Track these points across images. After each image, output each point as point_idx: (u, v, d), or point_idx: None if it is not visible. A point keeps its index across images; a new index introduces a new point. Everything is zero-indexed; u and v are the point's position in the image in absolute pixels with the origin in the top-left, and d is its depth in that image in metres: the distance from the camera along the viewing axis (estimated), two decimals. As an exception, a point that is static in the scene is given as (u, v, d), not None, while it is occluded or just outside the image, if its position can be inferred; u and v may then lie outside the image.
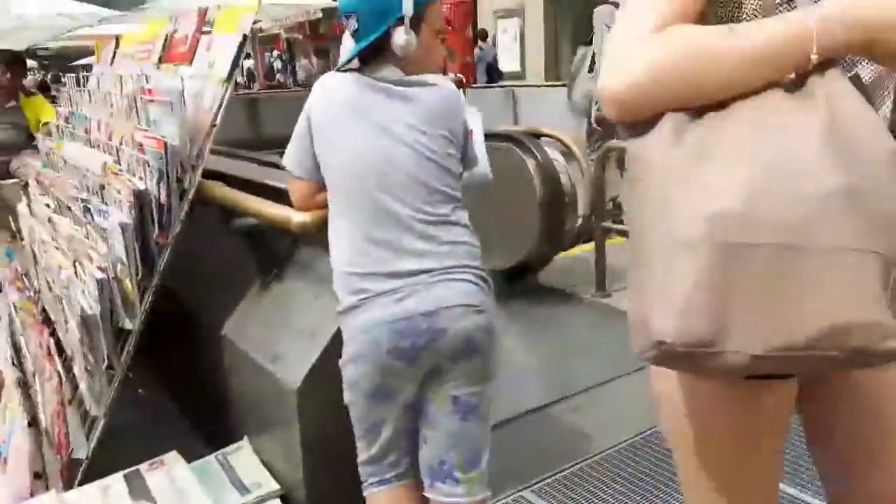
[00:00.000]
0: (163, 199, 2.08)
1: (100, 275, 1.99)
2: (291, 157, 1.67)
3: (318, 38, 20.71)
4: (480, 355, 1.62)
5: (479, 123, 1.76)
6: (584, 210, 4.37)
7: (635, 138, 0.86)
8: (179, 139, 2.05)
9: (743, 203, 0.76)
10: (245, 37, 2.11)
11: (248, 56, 15.89)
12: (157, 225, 2.08)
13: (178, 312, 2.48)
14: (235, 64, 2.11)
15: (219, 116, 2.11)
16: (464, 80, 9.87)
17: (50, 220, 2.86)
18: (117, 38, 3.42)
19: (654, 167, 0.83)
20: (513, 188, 4.11)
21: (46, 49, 18.45)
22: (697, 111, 0.82)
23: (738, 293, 0.76)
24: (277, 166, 2.31)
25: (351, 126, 1.58)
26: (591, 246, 4.33)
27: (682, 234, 0.78)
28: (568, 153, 4.30)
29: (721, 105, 0.82)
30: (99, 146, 2.80)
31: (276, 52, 20.36)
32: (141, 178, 2.13)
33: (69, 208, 2.64)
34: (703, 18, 0.87)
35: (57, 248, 2.54)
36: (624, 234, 4.52)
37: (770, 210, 0.75)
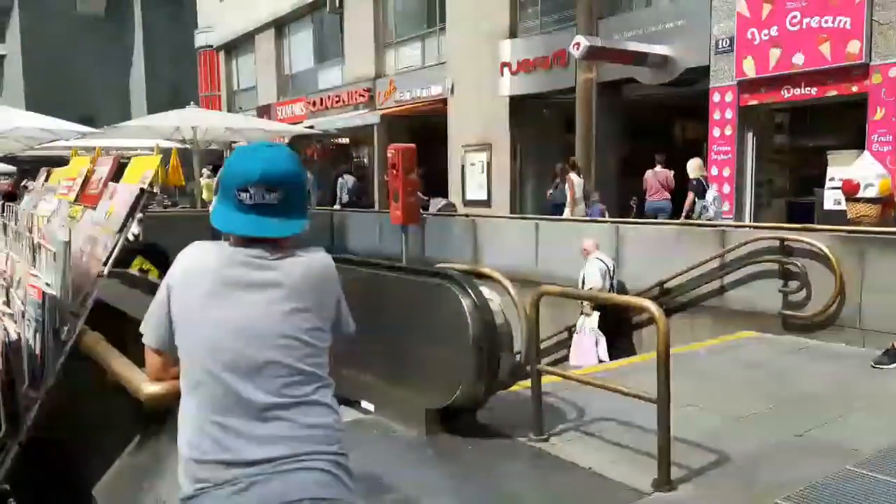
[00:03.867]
0: (37, 349, 1.99)
1: (-45, 432, 1.87)
2: (148, 326, 1.59)
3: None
4: None
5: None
6: (520, 350, 4.32)
7: None
8: (61, 290, 1.98)
9: None
10: (143, 191, 2.10)
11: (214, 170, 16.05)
12: (28, 377, 1.98)
13: (54, 465, 2.32)
14: (130, 215, 2.09)
15: (107, 267, 2.07)
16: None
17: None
18: (48, 170, 3.42)
19: None
20: (446, 327, 4.07)
21: (27, 157, 18.75)
22: None
23: None
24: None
25: (210, 301, 1.51)
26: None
27: None
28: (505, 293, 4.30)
29: None
30: (7, 283, 2.73)
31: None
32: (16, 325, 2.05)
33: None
34: None
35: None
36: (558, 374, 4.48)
37: None
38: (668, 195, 11.22)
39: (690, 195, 10.01)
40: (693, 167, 10.08)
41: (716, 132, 10.87)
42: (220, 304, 1.51)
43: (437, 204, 13.17)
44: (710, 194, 9.72)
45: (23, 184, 19.45)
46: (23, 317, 2.03)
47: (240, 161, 1.57)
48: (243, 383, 1.47)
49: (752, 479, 3.51)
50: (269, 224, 1.54)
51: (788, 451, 3.88)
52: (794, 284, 6.53)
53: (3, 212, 3.37)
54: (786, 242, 6.57)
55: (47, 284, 2.07)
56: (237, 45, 25.67)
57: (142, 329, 1.61)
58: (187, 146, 15.04)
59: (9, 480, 1.99)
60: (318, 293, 1.58)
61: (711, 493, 3.35)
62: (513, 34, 14.41)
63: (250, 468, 1.43)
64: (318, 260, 1.62)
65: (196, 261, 1.58)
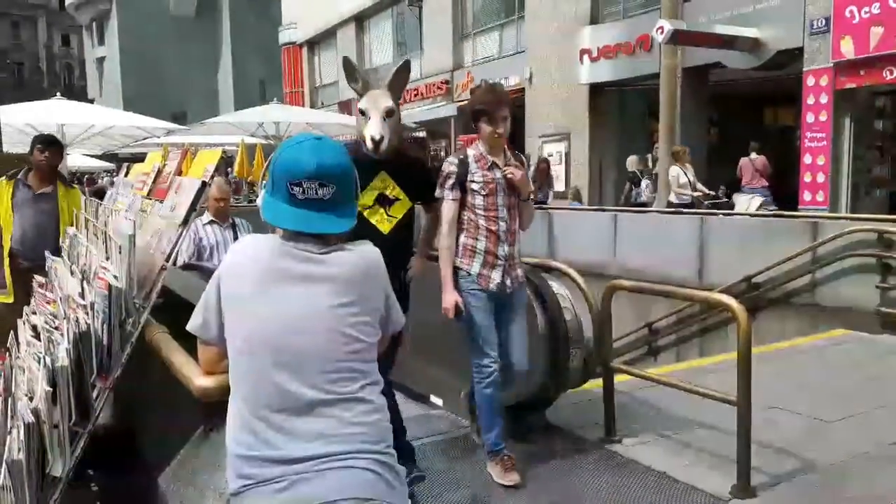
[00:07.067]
0: (105, 340, 2.05)
1: (29, 418, 1.94)
2: (198, 318, 1.59)
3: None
4: None
5: None
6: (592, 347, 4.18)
7: None
8: (125, 283, 2.03)
9: None
10: (204, 184, 2.13)
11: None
12: (96, 367, 2.04)
13: (125, 447, 2.40)
14: (192, 208, 2.12)
15: (171, 259, 2.11)
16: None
17: (28, 343, 2.87)
18: (128, 166, 3.53)
19: None
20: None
21: (127, 154, 19.84)
22: None
23: None
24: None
25: (257, 293, 1.50)
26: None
27: None
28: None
29: None
30: (83, 275, 2.84)
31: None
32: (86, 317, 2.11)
33: (38, 337, 2.64)
34: None
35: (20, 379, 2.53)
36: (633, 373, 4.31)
37: None
38: (766, 182, 10.72)
39: (627, 185, 12.08)
40: (630, 162, 12.05)
41: (809, 118, 10.28)
42: (267, 297, 1.49)
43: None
44: (644, 183, 11.77)
45: (108, 180, 20.57)
46: (92, 308, 2.10)
47: (292, 154, 1.53)
48: (287, 377, 1.45)
49: (841, 489, 3.28)
50: (319, 219, 1.51)
51: (883, 460, 3.61)
52: (893, 280, 6.09)
53: (86, 208, 3.51)
54: (885, 235, 6.13)
55: (115, 277, 2.13)
56: (319, 41, 26.20)
57: (189, 324, 1.61)
58: (271, 142, 15.48)
59: (81, 468, 2.07)
60: (366, 288, 1.54)
61: (795, 502, 3.15)
62: (594, 20, 14.07)
63: (293, 465, 1.41)
64: (367, 254, 1.58)
65: (246, 253, 1.57)
